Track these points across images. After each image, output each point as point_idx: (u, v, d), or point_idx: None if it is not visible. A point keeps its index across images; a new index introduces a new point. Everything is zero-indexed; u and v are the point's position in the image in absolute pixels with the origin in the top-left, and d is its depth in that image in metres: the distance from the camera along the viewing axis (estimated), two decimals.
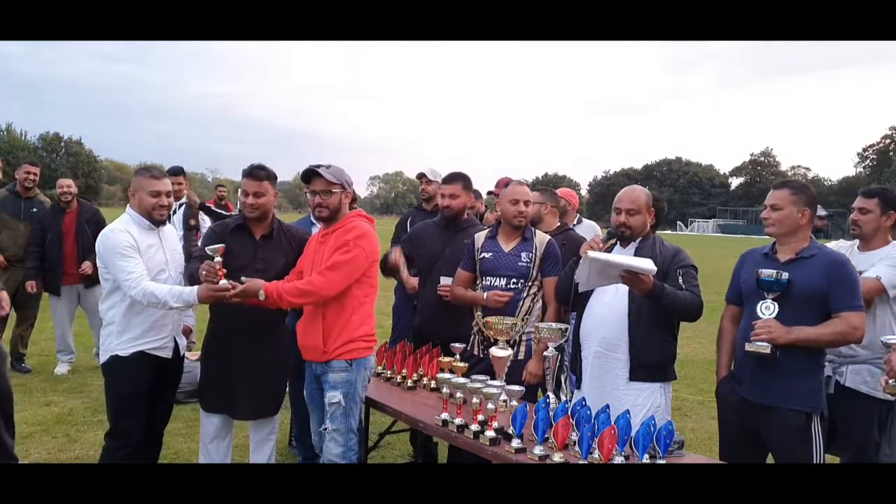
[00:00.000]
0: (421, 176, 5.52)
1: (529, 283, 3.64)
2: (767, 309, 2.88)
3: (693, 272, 3.17)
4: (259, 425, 3.64)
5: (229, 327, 3.49)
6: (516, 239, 3.68)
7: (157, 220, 3.40)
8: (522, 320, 3.55)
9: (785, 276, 2.86)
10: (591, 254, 3.01)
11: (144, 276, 3.22)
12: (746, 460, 2.99)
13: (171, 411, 3.69)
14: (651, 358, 3.12)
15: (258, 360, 3.50)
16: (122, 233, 3.27)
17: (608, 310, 3.20)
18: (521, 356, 3.57)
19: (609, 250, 3.27)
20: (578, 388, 3.29)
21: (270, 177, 3.56)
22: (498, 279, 3.65)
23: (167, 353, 3.42)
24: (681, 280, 3.12)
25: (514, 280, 3.63)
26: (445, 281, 3.93)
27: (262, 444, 3.67)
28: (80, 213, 6.35)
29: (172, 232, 3.63)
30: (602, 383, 3.17)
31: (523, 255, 3.64)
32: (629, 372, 3.13)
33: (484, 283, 3.70)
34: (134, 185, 3.39)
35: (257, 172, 3.51)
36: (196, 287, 3.22)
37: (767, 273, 2.87)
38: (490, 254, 3.69)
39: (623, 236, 3.27)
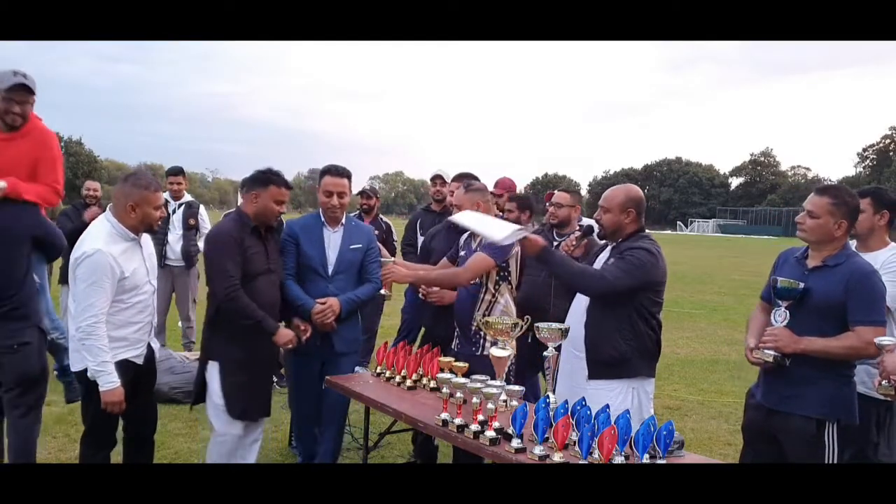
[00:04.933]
0: (436, 177, 5.50)
1: (484, 277, 3.69)
2: (780, 316, 2.85)
3: (629, 257, 3.06)
4: (249, 429, 3.63)
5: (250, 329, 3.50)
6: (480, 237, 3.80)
7: (154, 231, 3.36)
8: (483, 315, 3.61)
9: (801, 285, 2.81)
10: (454, 217, 3.49)
11: (105, 313, 3.10)
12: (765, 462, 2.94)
13: (156, 415, 3.61)
14: (603, 356, 3.08)
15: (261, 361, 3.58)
16: (105, 256, 3.07)
17: (576, 308, 3.24)
18: (484, 352, 3.60)
19: (584, 248, 3.62)
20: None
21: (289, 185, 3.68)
22: None
23: (140, 360, 3.34)
24: (612, 262, 3.14)
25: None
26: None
27: (249, 449, 3.66)
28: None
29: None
30: (572, 382, 3.18)
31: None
32: (587, 370, 3.13)
33: None
34: (136, 198, 3.17)
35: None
36: (116, 386, 3.10)
37: (783, 281, 2.85)
38: (464, 252, 3.86)
39: (600, 233, 3.34)
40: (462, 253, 3.87)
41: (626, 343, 3.09)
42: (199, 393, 3.66)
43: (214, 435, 3.62)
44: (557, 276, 3.29)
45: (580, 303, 3.24)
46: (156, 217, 3.26)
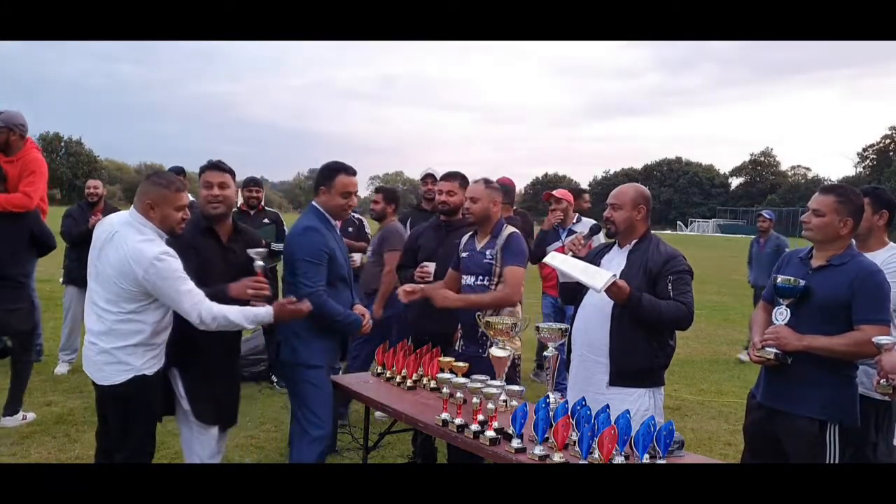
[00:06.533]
0: (428, 176, 5.50)
1: (494, 280, 3.65)
2: (781, 315, 2.85)
3: (686, 278, 3.08)
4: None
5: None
6: (486, 237, 3.75)
7: (177, 234, 3.12)
8: (492, 315, 3.54)
9: (801, 283, 2.81)
10: (547, 259, 3.22)
11: (200, 292, 2.99)
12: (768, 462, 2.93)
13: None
14: (632, 366, 3.06)
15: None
16: (172, 259, 2.94)
17: (594, 312, 3.17)
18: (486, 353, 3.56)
19: (590, 248, 3.44)
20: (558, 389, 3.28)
21: (232, 172, 3.43)
22: (469, 277, 3.72)
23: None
24: (670, 287, 3.03)
25: (481, 277, 3.68)
26: (429, 266, 4.03)
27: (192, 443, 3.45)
28: (104, 214, 6.37)
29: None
30: (585, 387, 3.13)
31: (488, 252, 3.69)
32: (609, 377, 3.09)
33: (463, 281, 3.77)
34: (154, 198, 3.01)
35: (220, 164, 3.41)
36: (270, 310, 3.10)
37: (783, 279, 2.84)
38: (467, 253, 3.79)
39: (609, 231, 3.29)
40: (464, 255, 3.78)
41: (656, 355, 3.10)
42: (167, 403, 3.33)
43: (197, 440, 3.39)
44: (644, 319, 2.99)
45: (595, 307, 3.17)
46: (177, 218, 3.05)
